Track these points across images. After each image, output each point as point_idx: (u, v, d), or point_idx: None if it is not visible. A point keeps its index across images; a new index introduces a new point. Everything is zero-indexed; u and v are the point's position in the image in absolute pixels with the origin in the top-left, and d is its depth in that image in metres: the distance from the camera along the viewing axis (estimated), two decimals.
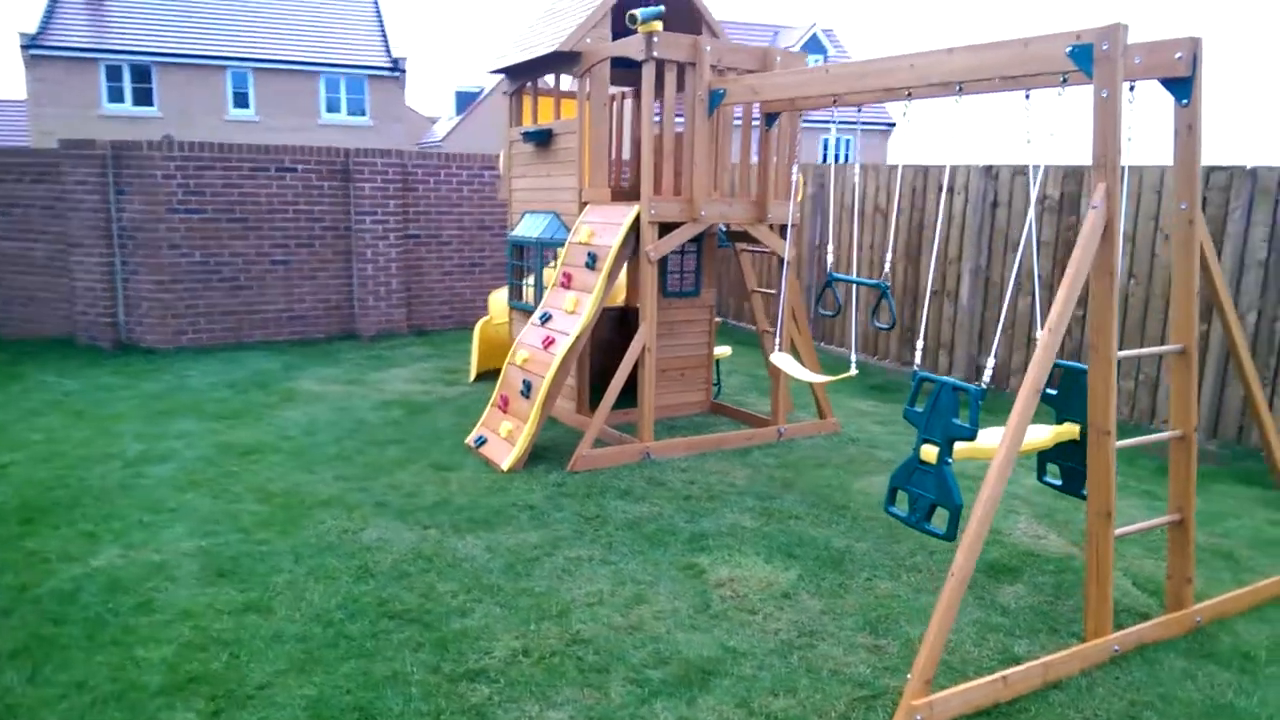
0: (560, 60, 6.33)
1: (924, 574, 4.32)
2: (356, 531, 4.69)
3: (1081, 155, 7.62)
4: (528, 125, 7.07)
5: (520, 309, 7.20)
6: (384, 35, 28.51)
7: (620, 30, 6.32)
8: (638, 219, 5.75)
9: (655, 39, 5.48)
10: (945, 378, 3.95)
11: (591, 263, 5.85)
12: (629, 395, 6.91)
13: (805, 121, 28.12)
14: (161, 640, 3.61)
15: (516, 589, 4.09)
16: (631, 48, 5.67)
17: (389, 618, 3.83)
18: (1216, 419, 6.62)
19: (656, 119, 5.75)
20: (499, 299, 8.12)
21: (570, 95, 7.66)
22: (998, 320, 8.30)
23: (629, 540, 4.64)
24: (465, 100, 47.24)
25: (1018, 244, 7.98)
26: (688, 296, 6.87)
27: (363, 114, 27.85)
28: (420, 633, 3.71)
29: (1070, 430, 4.25)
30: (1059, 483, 4.44)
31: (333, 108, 27.50)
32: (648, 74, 5.59)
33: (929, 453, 3.95)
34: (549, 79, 7.26)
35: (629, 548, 4.55)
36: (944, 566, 4.40)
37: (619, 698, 3.29)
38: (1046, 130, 3.72)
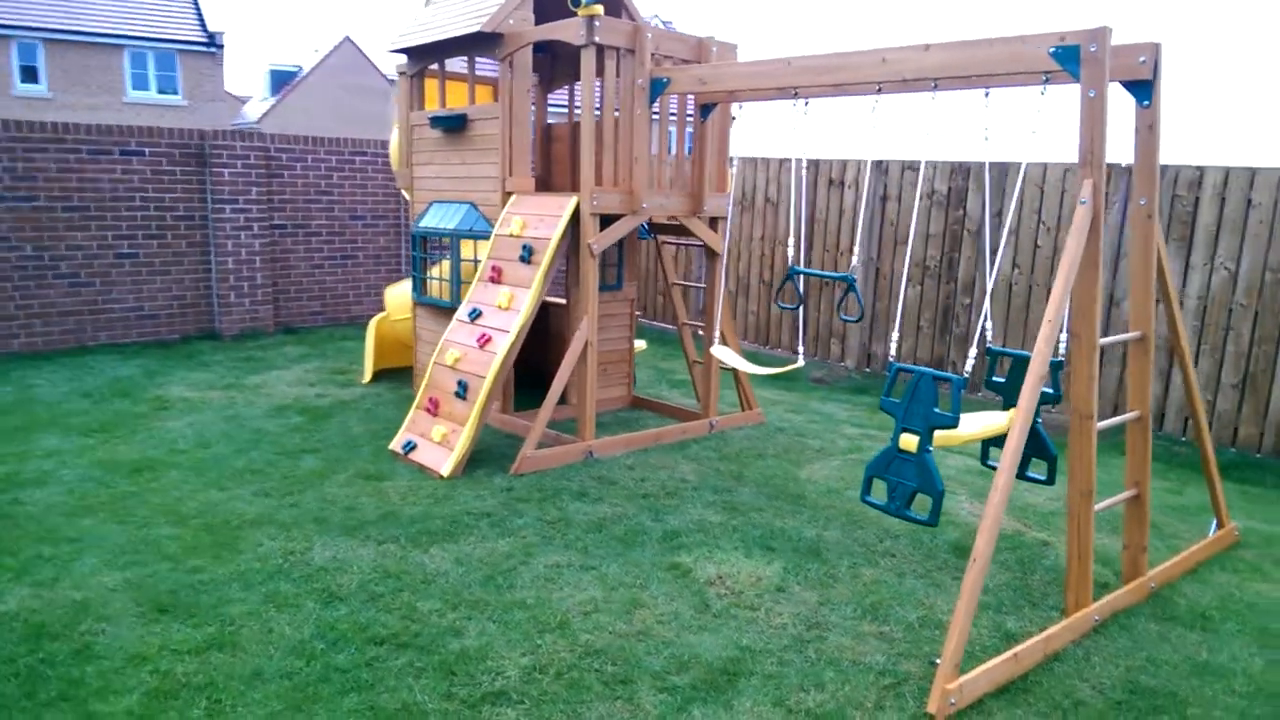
0: (479, 42, 6.02)
1: (898, 558, 4.43)
2: (303, 552, 4.29)
3: (969, 153, 8.08)
4: (434, 109, 6.69)
5: (429, 304, 6.83)
6: (197, 6, 26.40)
7: (542, 13, 6.09)
8: (577, 211, 5.56)
9: (596, 23, 5.30)
10: (923, 368, 4.04)
11: (527, 256, 5.61)
12: (539, 393, 6.74)
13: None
14: (120, 690, 3.16)
15: (504, 602, 3.87)
16: (569, 31, 5.46)
17: (376, 644, 3.52)
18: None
19: (563, 108, 5.57)
20: (398, 294, 7.68)
21: (483, 80, 7.33)
22: (888, 310, 8.69)
23: (602, 543, 4.49)
24: (281, 79, 44.61)
25: (907, 237, 8.35)
26: (610, 290, 6.74)
27: (175, 92, 25.71)
28: (417, 657, 3.43)
29: (909, 443, 4.28)
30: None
31: (140, 85, 25.21)
32: (587, 60, 5.40)
33: (909, 441, 4.02)
34: (454, 62, 6.90)
35: (604, 550, 4.41)
36: (912, 550, 4.52)
37: (653, 707, 3.17)
38: (1029, 128, 3.86)
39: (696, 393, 7.20)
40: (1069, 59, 3.67)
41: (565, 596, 3.94)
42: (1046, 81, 3.83)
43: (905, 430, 4.05)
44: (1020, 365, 4.59)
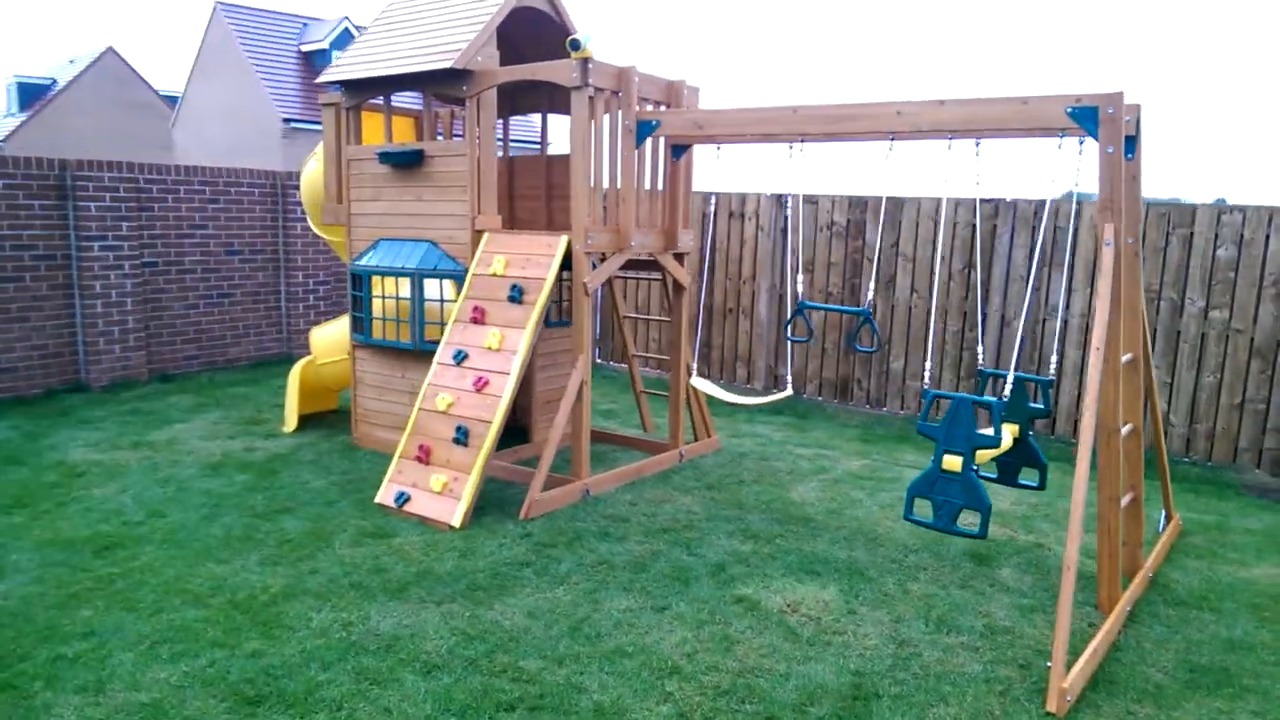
0: (444, 79, 5.87)
1: (930, 571, 4.77)
2: (362, 622, 4.03)
3: (867, 188, 8.71)
4: (380, 144, 6.42)
5: (376, 345, 6.52)
6: None
7: (504, 52, 6.04)
8: (567, 249, 5.55)
9: (590, 65, 5.34)
10: (961, 394, 4.42)
11: (518, 296, 5.53)
12: (512, 435, 6.66)
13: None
14: None
15: (604, 652, 3.83)
16: (558, 72, 5.46)
17: (506, 710, 3.40)
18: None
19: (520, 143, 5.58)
20: (326, 336, 7.24)
21: (403, 112, 7.11)
22: (806, 334, 9.17)
23: (656, 583, 4.52)
24: (30, 93, 40.13)
25: (809, 265, 8.89)
26: (564, 326, 6.73)
27: None
28: (558, 719, 3.35)
29: (1012, 430, 4.91)
30: (994, 475, 5.11)
31: None
32: (579, 101, 5.42)
33: (953, 462, 4.39)
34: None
35: (664, 590, 4.44)
36: (937, 563, 4.88)
37: None
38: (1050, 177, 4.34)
39: (643, 422, 7.31)
40: (1085, 118, 4.17)
41: (658, 640, 3.95)
42: (1063, 136, 4.33)
43: (948, 452, 4.41)
44: (1017, 385, 5.12)
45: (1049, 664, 3.63)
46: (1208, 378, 7.12)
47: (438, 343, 6.20)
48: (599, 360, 10.54)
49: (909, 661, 3.84)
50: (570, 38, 5.23)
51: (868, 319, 5.19)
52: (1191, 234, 7.16)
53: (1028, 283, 7.81)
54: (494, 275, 5.69)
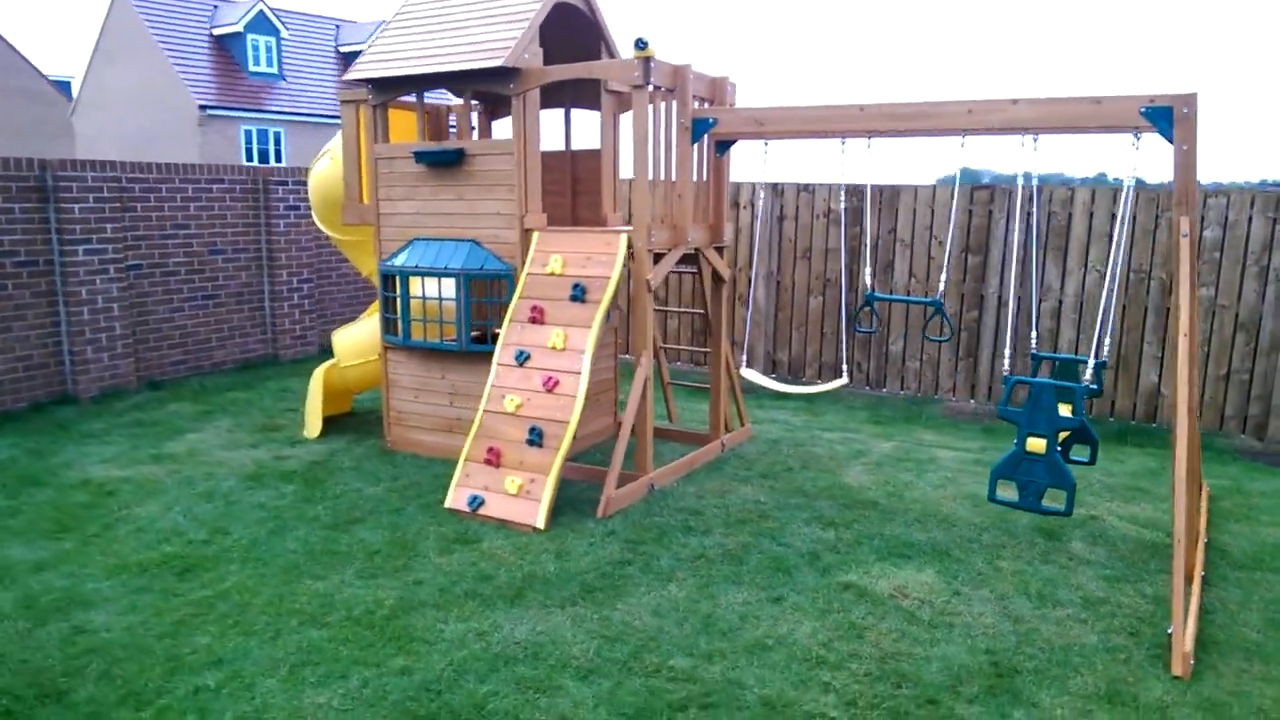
0: (489, 77, 5.78)
1: (1009, 548, 5.00)
2: (495, 630, 4.02)
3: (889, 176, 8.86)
4: (418, 143, 6.28)
5: (415, 347, 6.41)
6: None
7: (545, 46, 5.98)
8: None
9: (652, 64, 5.35)
10: (1043, 380, 4.65)
11: (581, 295, 5.52)
12: None
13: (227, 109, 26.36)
14: None
15: (746, 645, 3.92)
16: (619, 70, 5.45)
17: (680, 710, 3.46)
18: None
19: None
20: (350, 338, 7.07)
21: (405, 106, 6.94)
22: (790, 320, 9.36)
23: (760, 574, 4.62)
24: None
25: (805, 252, 9.08)
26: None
27: None
28: (734, 715, 3.43)
29: (1038, 445, 4.55)
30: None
31: None
32: (640, 100, 5.43)
33: (1036, 444, 4.62)
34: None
35: (772, 581, 4.55)
36: (1011, 539, 5.12)
37: (978, 718, 3.44)
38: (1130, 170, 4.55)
39: (670, 413, 7.38)
40: (1160, 118, 4.42)
41: (790, 631, 4.06)
42: (1138, 136, 4.56)
43: (1031, 435, 4.63)
44: (1067, 367, 5.38)
45: (1169, 630, 3.88)
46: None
47: (481, 342, 6.15)
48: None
49: (1030, 637, 4.04)
50: (637, 37, 5.23)
51: (939, 309, 5.38)
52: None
53: (1021, 264, 8.18)
54: (552, 274, 5.66)
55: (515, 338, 5.70)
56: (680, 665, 3.76)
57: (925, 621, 4.17)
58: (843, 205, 8.82)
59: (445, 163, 6.10)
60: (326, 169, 7.10)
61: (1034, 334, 5.41)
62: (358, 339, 7.04)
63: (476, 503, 5.33)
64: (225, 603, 4.27)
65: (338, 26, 32.33)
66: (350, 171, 6.68)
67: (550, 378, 5.42)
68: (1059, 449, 4.60)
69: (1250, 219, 7.32)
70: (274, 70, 28.50)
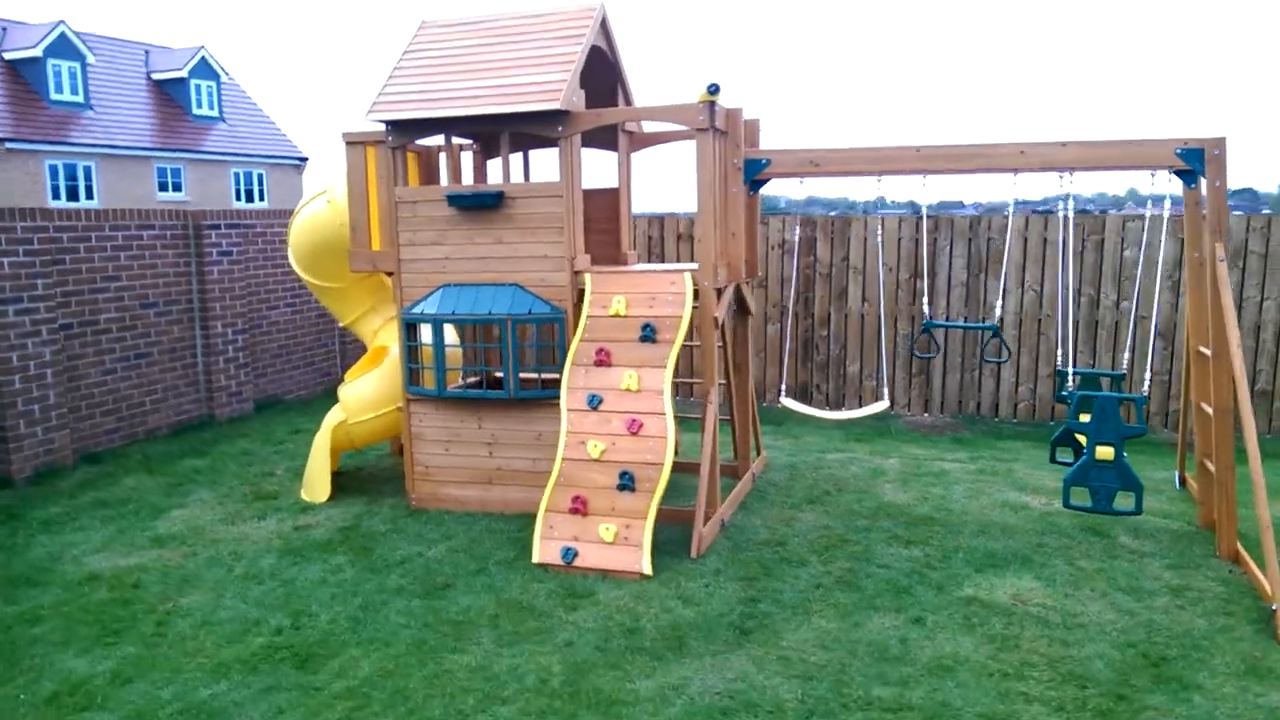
0: (532, 120, 5.70)
1: (1075, 548, 5.44)
2: (686, 684, 3.97)
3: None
4: (448, 186, 6.06)
5: (450, 397, 6.15)
6: None
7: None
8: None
9: (716, 108, 5.47)
10: (1106, 393, 5.16)
11: (651, 335, 5.53)
12: None
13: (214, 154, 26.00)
14: None
15: (927, 669, 4.09)
16: (685, 115, 5.51)
17: None
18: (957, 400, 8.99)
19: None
20: (360, 393, 6.66)
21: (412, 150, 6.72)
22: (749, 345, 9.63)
23: (883, 597, 4.81)
24: None
25: (761, 281, 9.42)
26: None
27: None
28: None
29: (1106, 453, 5.10)
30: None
31: None
32: (704, 142, 5.53)
33: (1105, 452, 5.11)
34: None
35: (898, 603, 4.74)
36: (1070, 540, 5.57)
37: (1173, 704, 3.78)
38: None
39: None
40: (1193, 158, 5.04)
41: (955, 649, 4.26)
42: (1172, 173, 5.15)
43: (1099, 444, 5.12)
44: (1090, 380, 5.95)
45: (1274, 607, 4.40)
46: (1122, 355, 8.52)
47: (528, 388, 6.01)
48: None
49: (1152, 627, 4.45)
50: (711, 83, 5.33)
51: (996, 333, 5.80)
52: (1102, 239, 8.55)
53: (965, 288, 8.89)
54: (616, 316, 5.64)
55: (582, 381, 5.61)
56: (884, 695, 3.88)
57: (1059, 624, 4.49)
58: (796, 236, 9.22)
59: (482, 206, 5.93)
60: (321, 213, 6.70)
61: (1059, 352, 5.95)
62: (367, 393, 6.65)
63: (571, 555, 5.20)
64: (379, 690, 3.96)
65: (147, 52, 30.04)
66: (358, 215, 6.33)
67: (634, 420, 5.38)
68: (1125, 455, 5.10)
69: (1163, 240, 8.33)
70: (80, 99, 26.09)
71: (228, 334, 8.89)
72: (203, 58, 30.13)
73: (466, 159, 7.06)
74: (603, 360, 5.61)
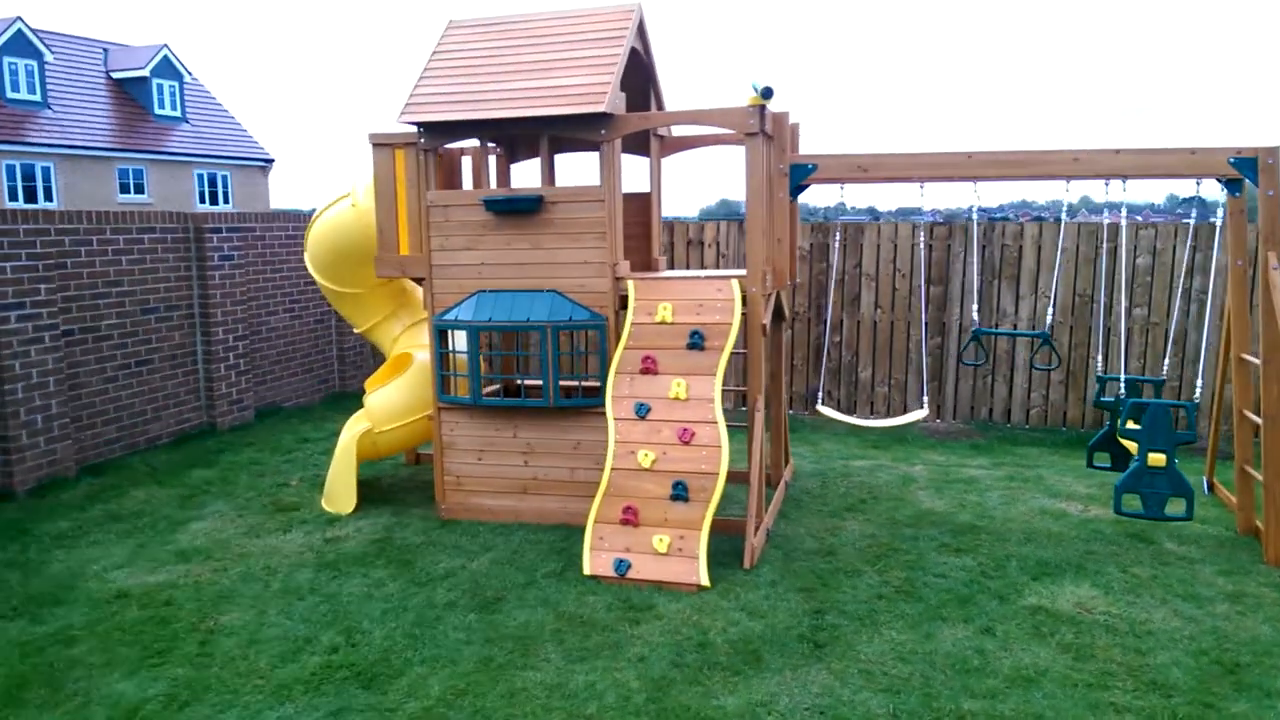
0: (573, 123, 5.58)
1: (1125, 555, 5.43)
2: (776, 700, 3.88)
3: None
4: (484, 190, 5.91)
5: (487, 405, 6.00)
6: None
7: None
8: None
9: (766, 112, 5.40)
10: (1157, 400, 5.17)
11: (700, 342, 5.43)
12: None
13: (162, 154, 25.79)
14: None
15: (1010, 680, 4.04)
16: (733, 119, 5.43)
17: None
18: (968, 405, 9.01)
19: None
20: (387, 401, 6.47)
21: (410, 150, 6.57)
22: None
23: (947, 609, 4.75)
24: None
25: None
26: None
27: None
28: None
29: (1158, 459, 5.12)
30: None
31: None
32: (754, 148, 5.45)
33: (1157, 459, 5.13)
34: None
35: (960, 614, 4.69)
36: (1116, 547, 5.57)
37: (1262, 708, 3.78)
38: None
39: None
40: (1246, 167, 5.08)
41: (1032, 660, 4.21)
42: (1225, 182, 5.19)
43: (1151, 451, 5.13)
44: (1130, 386, 5.96)
45: None
46: (1134, 364, 8.62)
47: (558, 396, 5.88)
48: None
49: (1220, 634, 4.45)
50: (765, 86, 5.26)
51: (1046, 340, 5.80)
52: (1116, 246, 8.64)
53: (979, 293, 8.92)
54: (663, 323, 5.53)
55: (627, 390, 5.50)
56: (975, 708, 3.82)
57: (1128, 632, 4.48)
58: (808, 244, 9.21)
59: (521, 211, 5.79)
60: (345, 216, 6.51)
61: (1099, 359, 5.97)
62: (393, 400, 6.47)
63: (624, 567, 5.08)
64: (457, 711, 3.81)
65: (106, 50, 29.29)
66: (386, 220, 6.16)
67: (685, 429, 5.28)
68: (1176, 461, 5.11)
69: (1175, 248, 8.45)
70: (37, 97, 25.34)
71: (229, 340, 8.62)
72: (165, 56, 29.48)
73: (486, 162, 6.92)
74: (649, 368, 5.50)
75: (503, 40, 6.08)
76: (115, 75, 29.18)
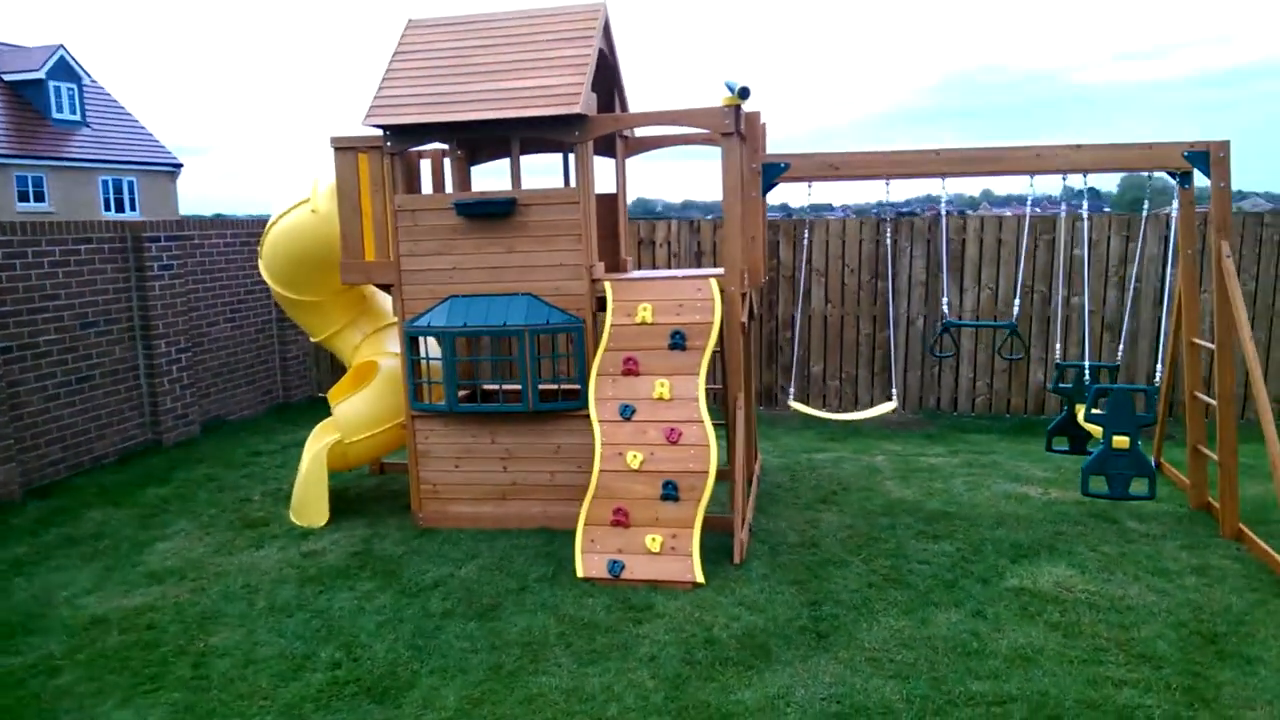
0: (544, 124, 5.56)
1: (1091, 535, 5.65)
2: (792, 691, 3.94)
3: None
4: (455, 194, 5.83)
5: (446, 411, 5.92)
6: None
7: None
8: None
9: (741, 112, 5.46)
10: (1120, 385, 5.43)
11: (681, 342, 5.47)
12: None
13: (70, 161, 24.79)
14: None
15: (1009, 660, 4.18)
16: (709, 119, 5.47)
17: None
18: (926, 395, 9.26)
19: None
20: (354, 410, 6.32)
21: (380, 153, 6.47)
22: None
23: (937, 594, 4.89)
24: None
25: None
26: None
27: None
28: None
29: (1122, 441, 5.37)
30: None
31: None
32: (731, 147, 5.51)
33: (1121, 441, 5.38)
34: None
35: (949, 599, 4.83)
36: (1087, 529, 5.81)
37: (1257, 676, 4.00)
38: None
39: None
40: (1199, 160, 5.36)
41: (1027, 640, 4.37)
42: (1177, 175, 5.47)
43: (1115, 433, 5.38)
44: (1117, 397, 6.19)
45: None
46: (1073, 350, 8.99)
47: (537, 400, 5.85)
48: None
49: (1191, 605, 4.69)
50: (741, 86, 5.32)
51: (1014, 330, 6.00)
52: (1053, 239, 9.00)
53: (925, 287, 9.19)
54: (643, 324, 5.55)
55: (610, 391, 5.50)
56: (983, 689, 3.94)
57: (1110, 609, 4.68)
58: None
59: (493, 214, 5.73)
60: (304, 221, 6.33)
61: (1059, 347, 6.22)
62: (362, 410, 6.33)
63: (618, 568, 5.08)
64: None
65: None
66: (350, 225, 6.02)
67: (673, 429, 5.31)
68: (1140, 443, 5.37)
69: (1109, 239, 8.84)
70: None
71: (171, 353, 8.29)
72: (61, 58, 28.15)
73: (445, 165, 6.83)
74: (631, 369, 5.51)
75: (467, 40, 6.00)
76: (8, 78, 27.73)
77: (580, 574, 5.13)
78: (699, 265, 9.51)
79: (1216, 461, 5.66)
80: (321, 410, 9.90)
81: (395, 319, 6.96)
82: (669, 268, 9.50)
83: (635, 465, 5.28)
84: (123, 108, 32.08)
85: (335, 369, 10.65)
